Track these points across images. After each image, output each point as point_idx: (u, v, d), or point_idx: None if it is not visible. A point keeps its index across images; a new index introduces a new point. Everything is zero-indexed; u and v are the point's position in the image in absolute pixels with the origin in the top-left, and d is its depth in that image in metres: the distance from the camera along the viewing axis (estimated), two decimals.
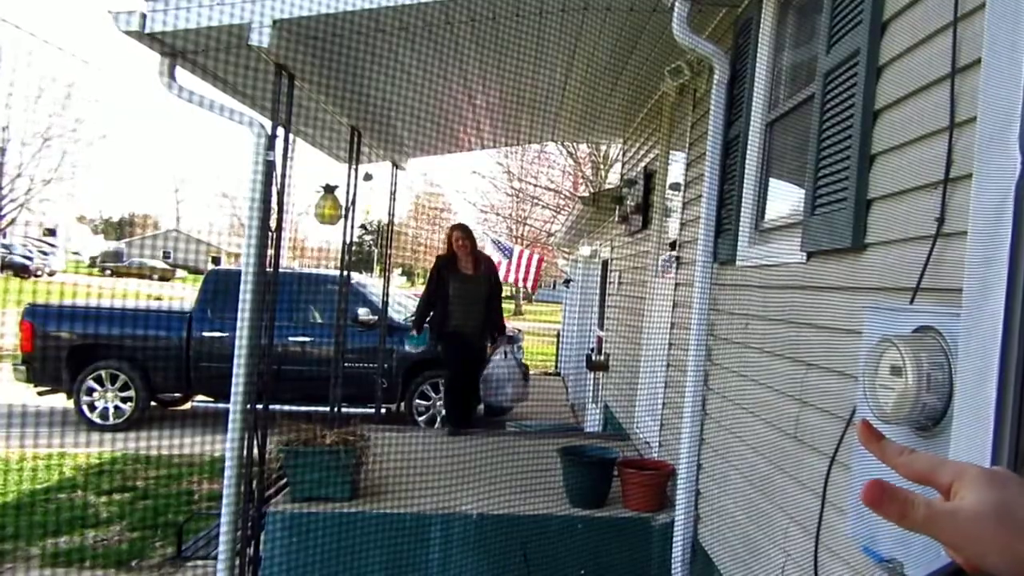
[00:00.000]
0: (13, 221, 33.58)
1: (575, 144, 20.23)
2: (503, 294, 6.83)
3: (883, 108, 2.17)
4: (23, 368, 8.54)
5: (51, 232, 40.42)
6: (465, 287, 6.14)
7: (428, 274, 6.58)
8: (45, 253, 33.25)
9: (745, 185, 3.46)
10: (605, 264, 8.72)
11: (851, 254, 2.28)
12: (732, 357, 3.46)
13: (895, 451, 0.52)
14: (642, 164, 6.34)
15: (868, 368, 1.70)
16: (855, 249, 2.24)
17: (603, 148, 19.86)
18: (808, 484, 2.41)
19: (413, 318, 6.56)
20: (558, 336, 15.48)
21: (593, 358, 7.49)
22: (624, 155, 8.13)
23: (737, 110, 3.63)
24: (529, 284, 12.33)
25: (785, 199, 3.27)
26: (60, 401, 9.01)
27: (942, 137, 1.79)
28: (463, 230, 6.24)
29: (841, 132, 2.38)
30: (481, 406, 9.37)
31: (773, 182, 3.42)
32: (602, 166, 21.04)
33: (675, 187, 4.97)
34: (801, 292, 2.71)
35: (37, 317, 8.65)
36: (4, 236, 32.72)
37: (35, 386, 8.71)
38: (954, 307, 1.51)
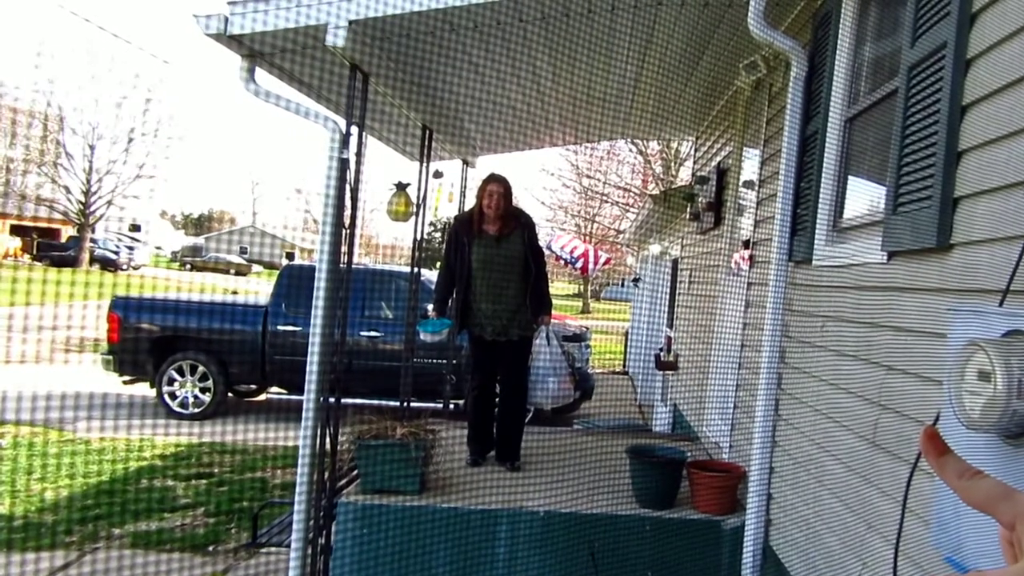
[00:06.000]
0: (101, 217, 35.09)
1: (645, 141, 20.02)
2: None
3: (972, 103, 2.08)
4: (110, 358, 8.93)
5: (136, 227, 42.13)
6: (492, 254, 4.86)
7: (445, 241, 5.27)
8: (130, 248, 34.71)
9: (823, 183, 3.37)
10: (675, 263, 8.61)
11: (936, 254, 2.20)
12: (807, 359, 3.37)
13: (956, 471, 0.49)
14: (715, 161, 6.24)
15: (954, 373, 1.63)
16: (940, 249, 2.16)
17: (674, 145, 19.61)
18: (888, 491, 2.34)
19: (433, 300, 5.32)
20: (626, 335, 15.36)
21: (662, 358, 7.40)
22: (696, 152, 8.01)
23: (815, 106, 3.54)
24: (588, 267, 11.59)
25: (865, 197, 3.18)
26: (144, 390, 9.40)
27: None
28: (500, 182, 4.84)
29: (926, 128, 2.29)
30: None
31: (852, 180, 3.33)
32: (673, 163, 20.78)
33: (749, 184, 4.88)
34: (881, 293, 2.62)
35: (123, 309, 9.04)
36: (93, 231, 34.25)
37: (120, 375, 9.10)
38: None
